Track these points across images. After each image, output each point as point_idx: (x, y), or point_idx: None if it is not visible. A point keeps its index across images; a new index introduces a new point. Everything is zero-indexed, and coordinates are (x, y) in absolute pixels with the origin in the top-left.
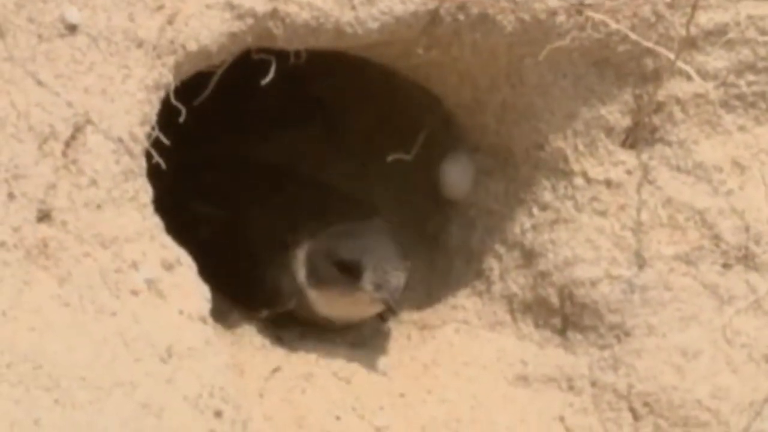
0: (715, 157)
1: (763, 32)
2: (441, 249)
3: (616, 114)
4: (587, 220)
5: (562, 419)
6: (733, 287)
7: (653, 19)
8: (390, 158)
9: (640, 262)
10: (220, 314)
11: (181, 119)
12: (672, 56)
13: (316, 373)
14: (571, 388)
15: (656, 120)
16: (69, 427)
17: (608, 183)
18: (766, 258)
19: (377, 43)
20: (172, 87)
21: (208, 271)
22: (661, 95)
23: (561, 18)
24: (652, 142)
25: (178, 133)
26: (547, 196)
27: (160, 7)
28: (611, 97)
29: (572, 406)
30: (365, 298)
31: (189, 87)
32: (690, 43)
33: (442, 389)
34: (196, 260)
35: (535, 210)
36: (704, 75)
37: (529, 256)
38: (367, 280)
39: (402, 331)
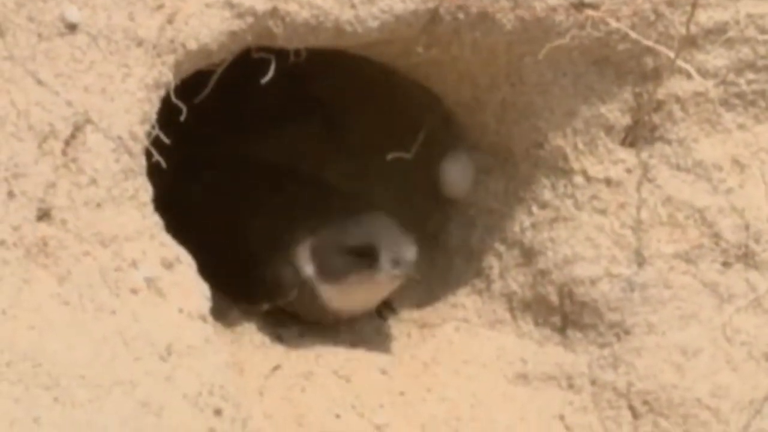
0: (715, 156)
1: (762, 31)
2: (441, 247)
3: (615, 112)
4: (587, 219)
5: (561, 417)
6: (733, 285)
7: (653, 17)
8: (390, 157)
9: (640, 260)
10: (220, 312)
11: (182, 118)
12: (672, 55)
13: (316, 372)
14: (570, 386)
15: (656, 118)
16: (68, 425)
17: (608, 181)
18: (765, 256)
19: (377, 41)
20: (173, 86)
21: (207, 270)
22: (660, 94)
23: (561, 16)
24: (651, 141)
25: (178, 132)
26: (547, 195)
27: (160, 6)
28: (611, 96)
29: (572, 405)
30: (385, 279)
31: (189, 86)
32: (690, 42)
33: (441, 387)
34: (196, 258)
35: (534, 208)
36: (704, 73)
37: (529, 255)
38: (385, 258)
39: (402, 329)
